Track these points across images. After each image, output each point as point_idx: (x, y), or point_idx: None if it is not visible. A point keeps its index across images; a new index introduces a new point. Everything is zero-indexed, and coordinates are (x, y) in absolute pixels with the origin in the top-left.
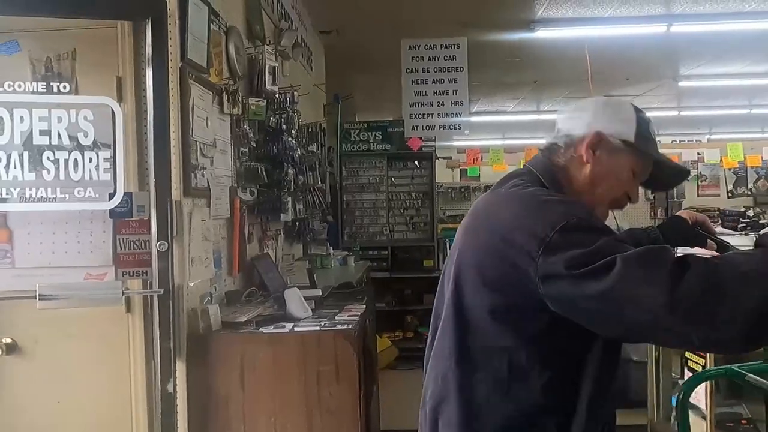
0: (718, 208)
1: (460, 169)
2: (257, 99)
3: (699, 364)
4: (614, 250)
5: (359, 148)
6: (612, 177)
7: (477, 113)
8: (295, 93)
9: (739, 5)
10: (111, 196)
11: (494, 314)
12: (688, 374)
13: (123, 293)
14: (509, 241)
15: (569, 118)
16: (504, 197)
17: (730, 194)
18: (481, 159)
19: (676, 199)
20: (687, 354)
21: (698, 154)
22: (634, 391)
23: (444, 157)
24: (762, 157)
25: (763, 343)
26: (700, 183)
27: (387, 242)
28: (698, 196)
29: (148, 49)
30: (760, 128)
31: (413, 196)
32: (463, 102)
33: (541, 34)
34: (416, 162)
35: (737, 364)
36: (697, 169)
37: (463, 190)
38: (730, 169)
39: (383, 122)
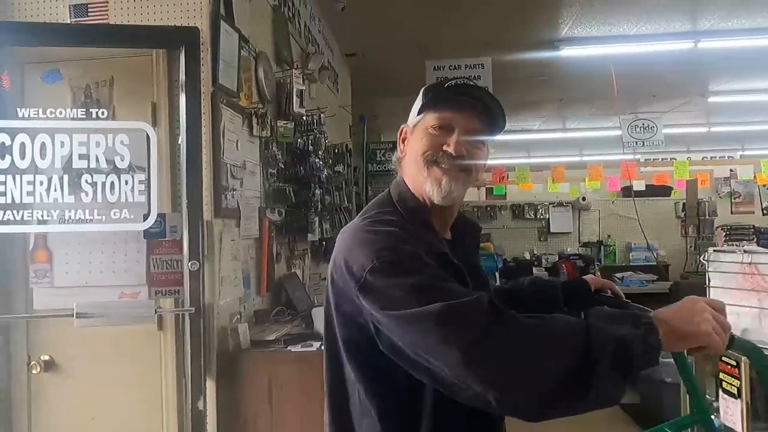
0: (753, 226)
1: (486, 188)
2: (285, 121)
3: (734, 386)
4: (424, 296)
5: (384, 168)
6: (415, 145)
7: (502, 132)
8: (321, 115)
9: (767, 20)
10: (145, 217)
11: (348, 350)
12: (723, 397)
13: (156, 311)
14: (344, 279)
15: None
16: (347, 231)
17: (765, 211)
18: (507, 177)
19: (708, 217)
20: (722, 375)
21: (731, 170)
22: (667, 414)
23: None
24: None
25: (558, 414)
26: (733, 200)
27: None
28: (732, 213)
29: (182, 76)
30: None
31: None
32: None
33: (566, 52)
34: None
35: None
36: (730, 186)
37: (489, 209)
38: (764, 186)
39: None
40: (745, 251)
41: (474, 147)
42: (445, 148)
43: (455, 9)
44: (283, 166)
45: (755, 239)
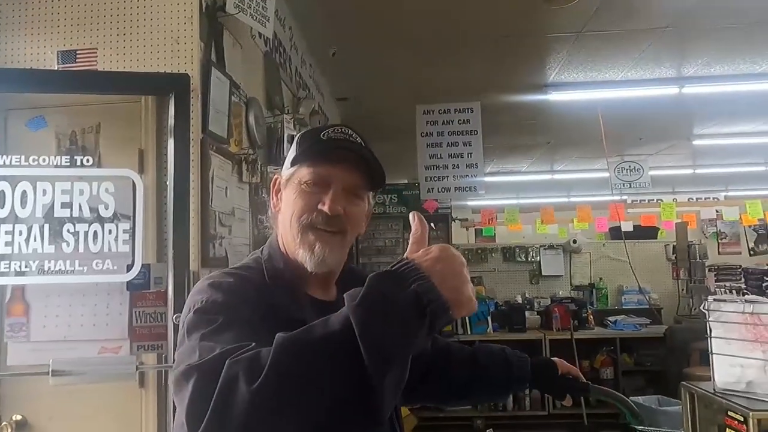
0: (740, 266)
1: (475, 229)
2: (276, 167)
3: None
4: (193, 357)
5: (376, 210)
6: (289, 203)
7: (491, 173)
8: None
9: (749, 67)
10: (129, 267)
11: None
12: None
13: (137, 368)
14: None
15: None
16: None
17: (752, 252)
18: (496, 219)
19: (698, 260)
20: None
21: (716, 211)
22: None
23: (460, 219)
24: None
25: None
26: (720, 241)
27: None
28: (719, 254)
29: (171, 122)
30: None
31: None
32: (478, 164)
33: (554, 97)
34: (432, 224)
35: None
36: (716, 226)
37: (479, 251)
38: (750, 227)
39: (399, 185)
40: (746, 301)
41: (352, 204)
42: (320, 206)
43: (446, 54)
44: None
45: (744, 280)
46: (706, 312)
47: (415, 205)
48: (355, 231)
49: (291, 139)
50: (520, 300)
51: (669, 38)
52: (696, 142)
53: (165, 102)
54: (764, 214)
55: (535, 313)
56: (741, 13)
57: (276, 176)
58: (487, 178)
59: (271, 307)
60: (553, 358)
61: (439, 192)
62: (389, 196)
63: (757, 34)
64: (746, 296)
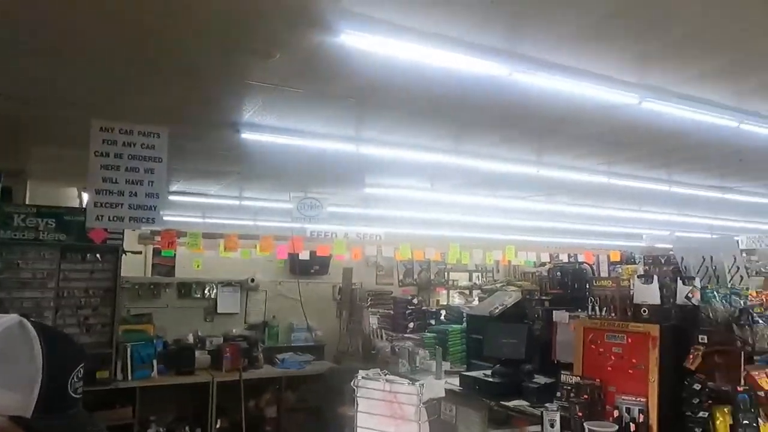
0: (391, 293)
1: (154, 248)
2: None
3: None
4: None
5: (24, 236)
6: None
7: (176, 192)
8: None
9: (411, 139)
10: None
11: None
12: None
13: None
14: None
15: None
16: None
17: (400, 283)
18: (177, 242)
19: (359, 302)
20: None
21: (378, 248)
22: None
23: (134, 252)
24: (424, 254)
25: None
26: (378, 272)
27: None
28: (376, 283)
29: None
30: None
31: (90, 293)
32: (160, 194)
33: (247, 136)
34: (98, 255)
35: None
36: (377, 260)
37: (152, 286)
38: (401, 262)
39: (59, 209)
40: (386, 380)
41: None
42: None
43: (130, 73)
44: None
45: (393, 306)
46: (356, 388)
47: (79, 233)
48: None
49: None
50: (191, 339)
51: (353, 107)
52: (367, 189)
53: None
54: (411, 253)
55: (206, 352)
56: (409, 98)
57: None
58: (173, 197)
59: None
60: None
61: (110, 221)
62: (45, 220)
63: (418, 115)
64: (387, 375)
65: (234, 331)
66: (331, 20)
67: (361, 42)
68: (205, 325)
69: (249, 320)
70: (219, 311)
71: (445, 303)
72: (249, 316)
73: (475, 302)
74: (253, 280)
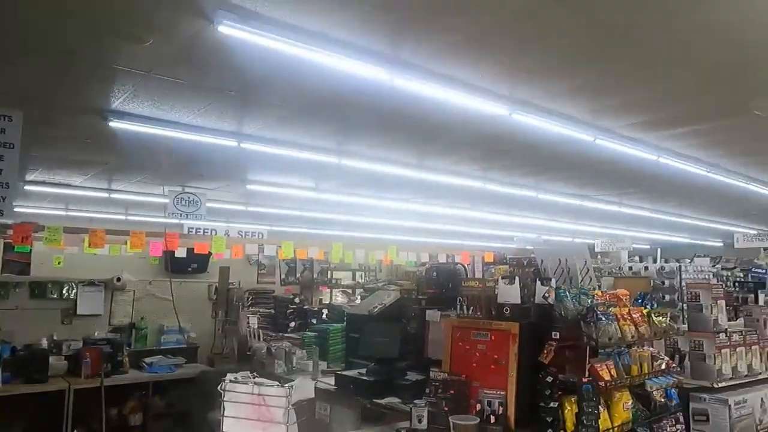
0: (273, 292)
1: (5, 243)
2: None
3: None
4: None
5: None
6: None
7: (34, 182)
8: None
9: (299, 137)
10: None
11: None
12: None
13: None
14: None
15: None
16: None
17: (282, 282)
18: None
19: (235, 303)
20: None
21: (259, 246)
22: None
23: None
24: (308, 252)
25: None
26: (260, 271)
27: None
28: (258, 282)
29: None
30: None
31: None
32: (10, 184)
33: (115, 124)
34: None
35: None
36: (259, 258)
37: None
38: (283, 261)
39: None
40: (255, 383)
41: None
42: None
43: None
44: None
45: (274, 305)
46: (223, 392)
47: None
48: None
49: None
50: (45, 344)
51: (234, 100)
52: (249, 186)
53: None
54: (294, 252)
55: (63, 358)
56: (293, 96)
57: None
58: (30, 187)
59: None
60: None
61: None
62: None
63: (303, 114)
64: (256, 378)
65: (96, 334)
66: (209, 9)
67: (240, 34)
68: (62, 328)
69: (114, 322)
70: (79, 313)
71: (328, 302)
72: (114, 317)
73: (358, 301)
74: (119, 279)
